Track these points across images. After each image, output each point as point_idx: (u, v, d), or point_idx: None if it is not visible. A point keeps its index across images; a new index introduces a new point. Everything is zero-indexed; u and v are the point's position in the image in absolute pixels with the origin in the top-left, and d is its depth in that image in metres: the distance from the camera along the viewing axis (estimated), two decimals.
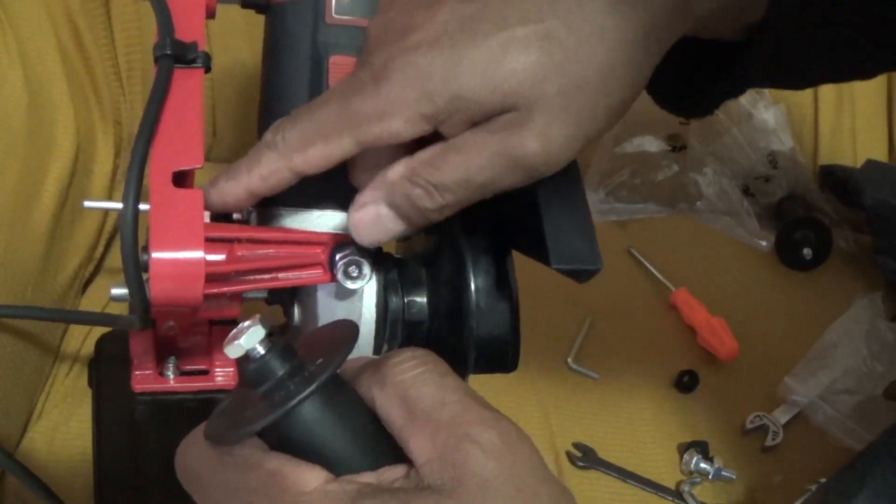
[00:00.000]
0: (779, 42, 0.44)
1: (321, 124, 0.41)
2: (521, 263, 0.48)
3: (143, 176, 0.43)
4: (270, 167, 0.42)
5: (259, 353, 0.35)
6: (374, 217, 0.41)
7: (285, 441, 0.35)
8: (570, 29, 0.37)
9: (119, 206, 0.46)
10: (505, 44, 0.37)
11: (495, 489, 0.33)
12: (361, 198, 0.41)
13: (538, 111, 0.37)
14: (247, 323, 0.36)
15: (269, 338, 0.36)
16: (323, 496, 0.33)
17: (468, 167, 0.39)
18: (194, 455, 0.37)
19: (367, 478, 0.35)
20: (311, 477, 0.34)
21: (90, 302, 0.85)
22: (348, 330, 0.38)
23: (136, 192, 0.42)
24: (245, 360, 0.36)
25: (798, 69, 0.51)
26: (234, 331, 0.35)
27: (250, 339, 0.35)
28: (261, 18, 0.51)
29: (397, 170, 0.41)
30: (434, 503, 0.33)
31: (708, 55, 0.47)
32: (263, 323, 0.36)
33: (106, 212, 0.88)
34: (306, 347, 0.37)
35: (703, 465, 0.77)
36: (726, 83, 0.48)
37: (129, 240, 0.41)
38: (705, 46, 0.46)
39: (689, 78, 0.48)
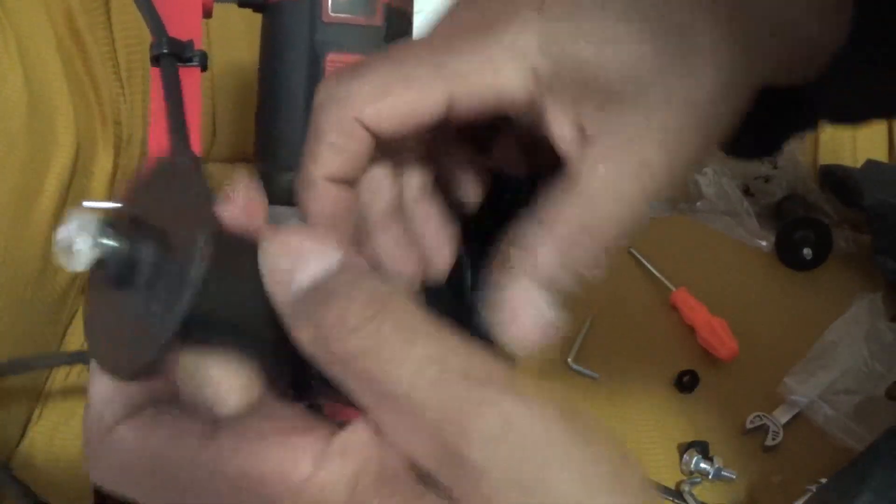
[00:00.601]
0: (850, 80, 0.39)
1: (402, 66, 0.34)
2: None
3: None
4: (335, 126, 0.34)
5: (109, 244, 0.26)
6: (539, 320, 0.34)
7: (204, 335, 0.27)
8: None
9: (119, 206, 0.46)
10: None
11: (510, 497, 0.25)
12: (510, 303, 0.33)
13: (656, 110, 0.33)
14: (71, 221, 0.26)
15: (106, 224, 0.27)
16: (318, 493, 0.27)
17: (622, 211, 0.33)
18: (121, 456, 0.29)
19: (363, 436, 0.28)
20: (297, 463, 0.27)
21: None
22: (184, 170, 0.28)
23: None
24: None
25: (865, 105, 0.45)
26: (60, 232, 0.26)
27: (85, 231, 0.26)
28: (259, 17, 0.51)
29: (545, 255, 0.33)
30: None
31: (769, 98, 0.41)
32: (88, 210, 0.26)
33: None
34: (144, 214, 0.29)
35: (703, 465, 0.77)
36: (794, 125, 0.44)
37: None
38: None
39: (750, 121, 0.41)
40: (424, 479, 0.27)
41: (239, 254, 0.29)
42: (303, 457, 0.27)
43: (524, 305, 0.34)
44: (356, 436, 0.28)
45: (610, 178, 0.33)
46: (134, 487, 0.30)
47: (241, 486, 0.27)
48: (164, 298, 0.26)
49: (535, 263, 0.34)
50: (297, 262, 0.28)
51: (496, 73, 0.33)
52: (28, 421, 0.75)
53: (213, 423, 0.28)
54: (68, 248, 0.26)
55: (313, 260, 0.28)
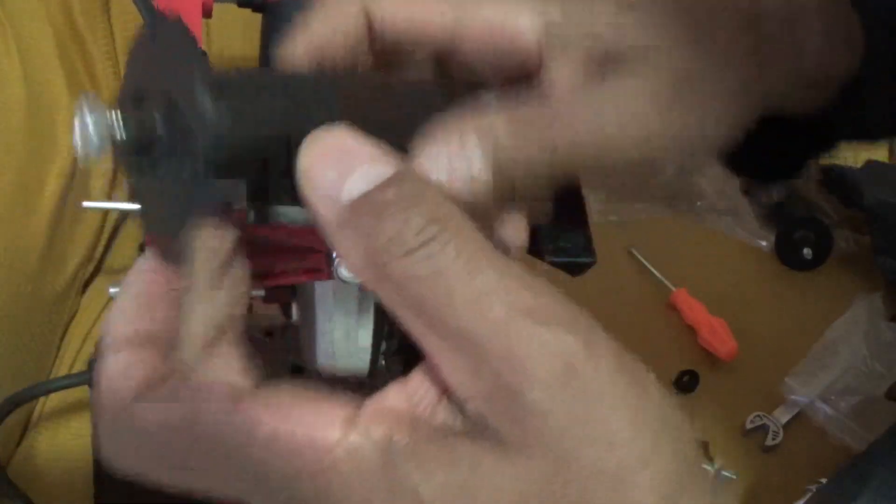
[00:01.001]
0: (869, 100, 0.40)
1: None
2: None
3: None
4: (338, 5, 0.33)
5: (119, 122, 0.27)
6: (458, 153, 0.29)
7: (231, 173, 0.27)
8: None
9: (119, 206, 0.45)
10: None
11: (570, 442, 0.24)
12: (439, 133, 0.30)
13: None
14: (81, 107, 0.27)
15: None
16: (348, 457, 0.25)
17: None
18: (142, 432, 0.28)
19: (394, 401, 0.26)
20: (325, 427, 0.26)
21: (90, 302, 0.85)
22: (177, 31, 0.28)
23: None
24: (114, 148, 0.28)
25: (883, 124, 0.44)
26: (75, 122, 0.27)
27: (95, 112, 0.27)
28: (259, 17, 0.51)
29: (500, 127, 0.30)
30: (496, 459, 0.25)
31: (786, 124, 0.41)
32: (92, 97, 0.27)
33: (106, 212, 0.88)
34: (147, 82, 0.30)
35: (703, 465, 0.77)
36: (814, 148, 0.43)
37: None
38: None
39: (766, 146, 0.41)
40: (464, 427, 0.26)
41: (243, 89, 0.28)
42: (333, 421, 0.26)
43: (458, 155, 0.30)
44: (388, 400, 0.27)
45: (595, 112, 0.32)
46: (156, 463, 0.28)
47: (271, 451, 0.26)
48: (185, 155, 0.26)
49: (487, 127, 0.30)
50: (345, 168, 0.26)
51: (511, 14, 0.33)
52: (28, 421, 0.75)
53: (234, 395, 0.27)
54: (85, 134, 0.26)
55: (365, 166, 0.26)
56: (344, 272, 0.44)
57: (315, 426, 0.26)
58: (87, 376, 0.65)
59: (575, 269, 0.42)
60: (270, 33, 0.48)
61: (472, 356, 0.25)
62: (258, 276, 0.44)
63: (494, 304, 0.24)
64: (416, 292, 0.25)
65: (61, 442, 0.73)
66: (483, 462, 0.25)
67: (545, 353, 0.24)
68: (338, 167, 0.26)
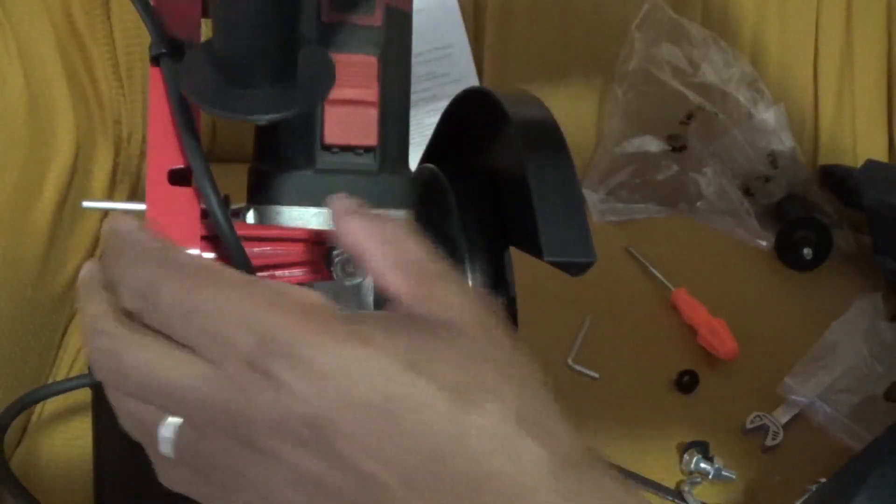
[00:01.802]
0: None
1: None
2: (522, 264, 0.48)
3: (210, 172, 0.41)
4: None
5: None
6: None
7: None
8: None
9: (119, 205, 0.46)
10: None
11: (468, 325, 0.34)
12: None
13: None
14: None
15: None
16: (330, 311, 0.33)
17: None
18: (176, 276, 0.35)
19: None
20: (314, 295, 0.34)
21: None
22: None
23: (214, 186, 0.40)
24: None
25: None
26: None
27: None
28: None
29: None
30: (418, 330, 0.33)
31: None
32: None
33: (106, 212, 0.88)
34: None
35: (703, 465, 0.77)
36: None
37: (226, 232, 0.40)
38: None
39: None
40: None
41: None
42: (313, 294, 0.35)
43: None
44: None
45: None
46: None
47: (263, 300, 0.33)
48: None
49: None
50: None
51: None
52: (28, 421, 0.75)
53: None
54: None
55: None
56: (342, 273, 0.44)
57: (302, 290, 0.35)
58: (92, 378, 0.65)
59: (574, 269, 0.42)
60: None
61: (419, 272, 0.36)
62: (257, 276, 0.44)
63: (438, 259, 0.37)
64: (393, 238, 0.37)
65: (61, 443, 0.73)
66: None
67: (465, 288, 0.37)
68: None
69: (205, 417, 0.33)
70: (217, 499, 0.35)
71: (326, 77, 0.39)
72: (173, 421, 0.34)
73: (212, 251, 0.42)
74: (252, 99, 0.38)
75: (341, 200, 0.38)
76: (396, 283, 0.35)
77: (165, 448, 0.35)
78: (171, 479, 0.36)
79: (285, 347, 0.32)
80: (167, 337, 0.34)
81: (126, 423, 0.36)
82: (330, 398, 0.31)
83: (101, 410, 0.67)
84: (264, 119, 0.38)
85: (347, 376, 0.31)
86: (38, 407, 0.76)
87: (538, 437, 0.32)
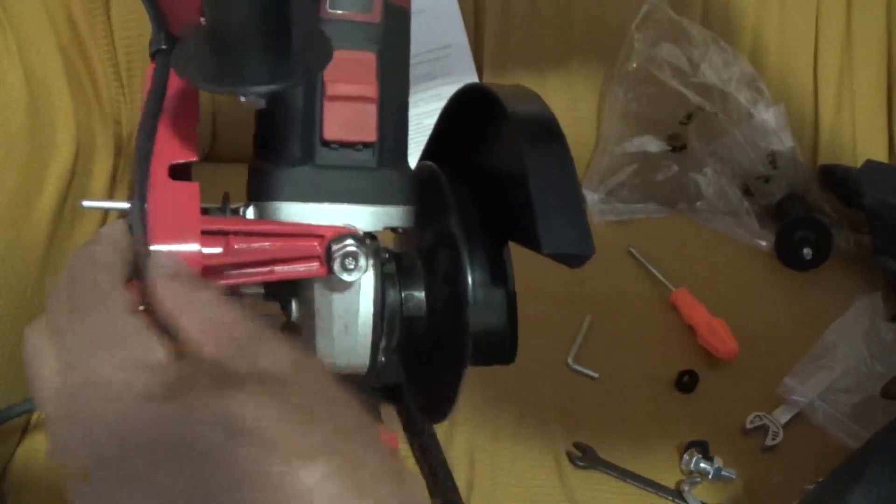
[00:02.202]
0: None
1: None
2: (522, 264, 0.48)
3: (149, 173, 0.42)
4: None
5: None
6: None
7: None
8: None
9: (119, 205, 0.46)
10: None
11: (283, 379, 0.34)
12: None
13: None
14: None
15: None
16: (167, 368, 0.34)
17: None
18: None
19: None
20: (160, 349, 0.35)
21: None
22: None
23: (145, 187, 0.41)
24: None
25: None
26: None
27: None
28: None
29: None
30: (238, 390, 0.32)
31: None
32: None
33: (106, 212, 0.88)
34: None
35: (703, 465, 0.77)
36: None
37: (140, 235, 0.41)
38: None
39: None
40: None
41: None
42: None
43: None
44: None
45: None
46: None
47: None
48: None
49: None
50: None
51: None
52: (27, 424, 0.75)
53: None
54: None
55: None
56: (341, 268, 0.44)
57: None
58: None
59: (573, 261, 0.42)
60: None
61: (207, 315, 0.37)
62: (257, 271, 0.44)
63: (231, 305, 0.37)
64: (183, 288, 0.38)
65: None
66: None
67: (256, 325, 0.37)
68: None
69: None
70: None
71: (323, 51, 0.39)
72: None
73: (212, 246, 0.42)
74: (246, 72, 0.37)
75: (159, 262, 0.39)
76: (211, 350, 0.35)
77: None
78: None
79: (104, 392, 0.33)
80: None
81: None
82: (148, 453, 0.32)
83: None
84: (259, 91, 0.37)
85: (165, 440, 0.32)
86: (38, 410, 0.76)
87: (359, 494, 0.31)
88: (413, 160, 0.51)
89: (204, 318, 0.36)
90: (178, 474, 0.31)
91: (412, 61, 0.49)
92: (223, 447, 0.31)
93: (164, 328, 0.36)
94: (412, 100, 0.49)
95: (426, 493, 0.34)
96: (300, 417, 0.32)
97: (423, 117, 1.02)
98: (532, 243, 0.42)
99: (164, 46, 0.46)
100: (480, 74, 1.11)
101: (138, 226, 0.40)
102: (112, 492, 0.32)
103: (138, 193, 0.41)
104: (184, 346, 0.36)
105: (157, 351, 0.35)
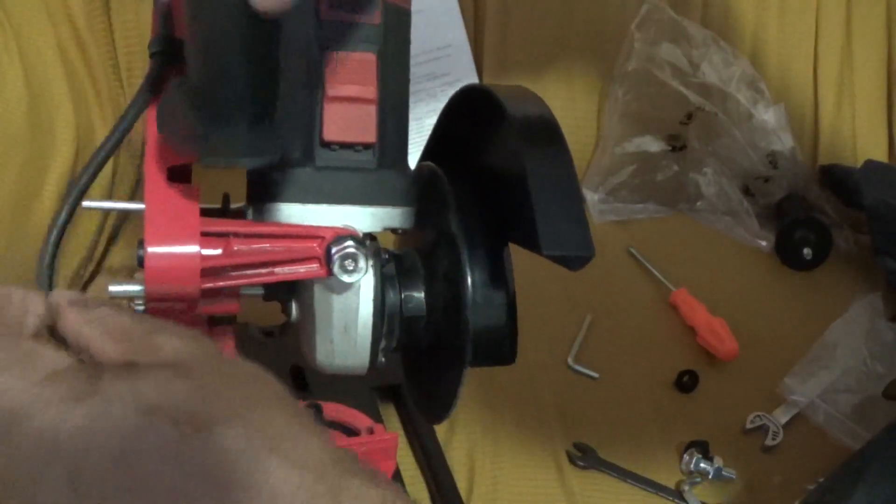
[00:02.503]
0: None
1: None
2: (522, 264, 0.48)
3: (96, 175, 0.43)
4: None
5: None
6: None
7: None
8: None
9: (119, 205, 0.46)
10: None
11: (189, 362, 0.36)
12: None
13: None
14: None
15: None
16: (71, 372, 0.36)
17: None
18: None
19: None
20: (59, 357, 0.37)
21: None
22: None
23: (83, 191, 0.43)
24: None
25: None
26: None
27: None
28: None
29: None
30: (150, 377, 0.35)
31: None
32: None
33: (106, 212, 0.88)
34: None
35: (703, 465, 0.77)
36: None
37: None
38: None
39: None
40: None
41: None
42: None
43: None
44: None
45: None
46: None
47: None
48: None
49: None
50: None
51: None
52: None
53: None
54: None
55: None
56: (341, 269, 0.44)
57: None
58: None
59: (573, 263, 0.42)
60: None
61: (128, 333, 0.38)
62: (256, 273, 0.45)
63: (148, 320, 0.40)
64: (104, 317, 0.40)
65: None
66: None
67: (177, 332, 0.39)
68: None
69: None
70: None
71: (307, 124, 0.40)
72: None
73: (212, 247, 0.42)
74: (230, 140, 0.38)
75: (60, 294, 0.41)
76: (114, 352, 0.38)
77: None
78: None
79: (24, 410, 0.34)
80: None
81: None
82: (71, 457, 0.33)
83: None
84: (244, 164, 0.39)
85: (88, 433, 0.33)
86: None
87: (276, 450, 0.34)
88: (413, 160, 0.51)
89: (104, 327, 0.39)
90: (111, 460, 0.33)
91: (412, 61, 0.49)
92: (141, 427, 0.33)
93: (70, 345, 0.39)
94: (412, 100, 0.50)
95: (330, 444, 0.36)
96: (203, 392, 0.35)
97: (423, 117, 1.02)
98: (532, 245, 0.42)
99: (160, 48, 0.46)
100: (480, 74, 1.11)
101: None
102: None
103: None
104: (93, 357, 0.38)
105: (63, 358, 0.37)
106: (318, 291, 0.47)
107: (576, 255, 0.41)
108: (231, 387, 0.36)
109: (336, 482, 0.34)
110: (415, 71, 1.05)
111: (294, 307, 0.51)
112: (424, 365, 0.53)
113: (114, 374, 0.35)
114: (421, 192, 0.49)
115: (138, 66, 0.98)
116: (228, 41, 0.36)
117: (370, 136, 0.45)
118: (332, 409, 0.66)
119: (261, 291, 0.50)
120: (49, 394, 0.34)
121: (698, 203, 1.11)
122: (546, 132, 0.44)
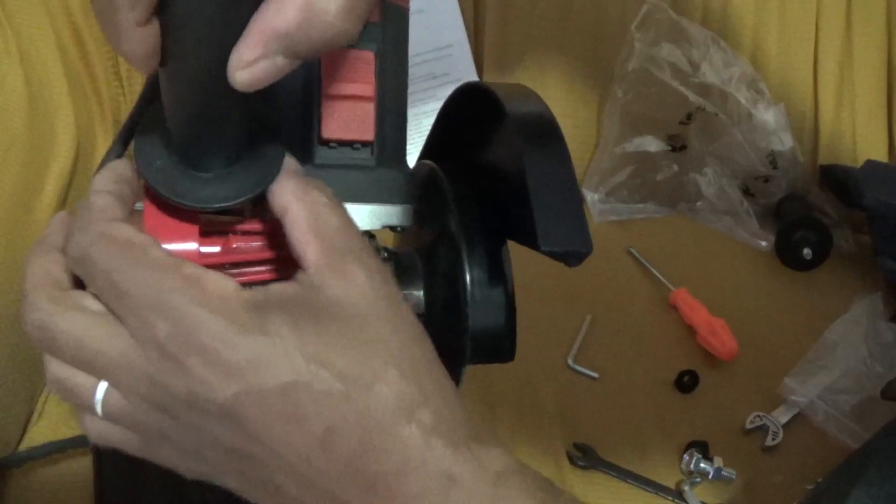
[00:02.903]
0: None
1: None
2: (522, 264, 0.48)
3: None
4: None
5: None
6: (271, 70, 0.35)
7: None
8: None
9: None
10: None
11: (368, 305, 0.37)
12: (248, 55, 0.34)
13: None
14: None
15: None
16: (239, 301, 0.36)
17: None
18: (106, 250, 0.37)
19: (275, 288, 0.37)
20: (228, 283, 0.36)
21: None
22: None
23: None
24: None
25: None
26: None
27: None
28: None
29: (289, 18, 0.34)
30: (318, 318, 0.36)
31: None
32: None
33: None
34: None
35: (703, 465, 0.77)
36: None
37: None
38: None
39: None
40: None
41: None
42: (228, 282, 0.37)
43: (261, 58, 0.35)
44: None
45: None
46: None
47: (175, 288, 0.36)
48: None
49: (273, 30, 0.34)
50: None
51: None
52: (28, 421, 0.75)
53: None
54: None
55: None
56: None
57: (219, 279, 0.37)
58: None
59: (571, 259, 0.42)
60: None
61: (330, 245, 0.38)
62: (256, 270, 0.44)
63: (355, 232, 0.40)
64: (317, 208, 0.39)
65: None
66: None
67: (375, 260, 0.39)
68: None
69: (130, 386, 0.37)
70: (144, 453, 0.39)
71: (274, 163, 0.40)
72: (102, 385, 0.37)
73: (210, 245, 0.42)
74: (201, 185, 0.39)
75: (289, 160, 0.40)
76: (308, 253, 0.37)
77: (95, 407, 0.38)
78: (97, 434, 0.39)
79: (195, 338, 0.35)
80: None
81: (53, 386, 0.39)
82: (237, 389, 0.35)
83: None
84: (209, 208, 0.39)
85: (254, 369, 0.35)
86: (38, 406, 0.77)
87: (414, 417, 0.36)
88: (412, 159, 0.51)
89: (317, 220, 0.38)
90: (278, 392, 0.35)
91: (412, 61, 0.49)
92: (307, 371, 0.35)
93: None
94: (412, 99, 0.50)
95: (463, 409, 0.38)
96: (364, 350, 0.36)
97: (422, 117, 1.02)
98: (530, 241, 0.42)
99: None
100: (480, 74, 1.11)
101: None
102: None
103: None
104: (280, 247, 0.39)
105: (227, 283, 0.37)
106: None
107: (573, 252, 0.41)
108: (394, 342, 0.37)
109: (473, 449, 0.36)
110: (415, 71, 1.05)
111: None
112: None
113: (286, 315, 0.36)
114: (420, 190, 0.49)
115: None
116: (205, 109, 0.37)
117: (369, 133, 0.44)
118: None
119: None
120: (221, 320, 0.35)
121: (698, 203, 1.11)
122: (545, 130, 0.44)
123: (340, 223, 0.38)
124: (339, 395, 0.35)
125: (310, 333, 0.36)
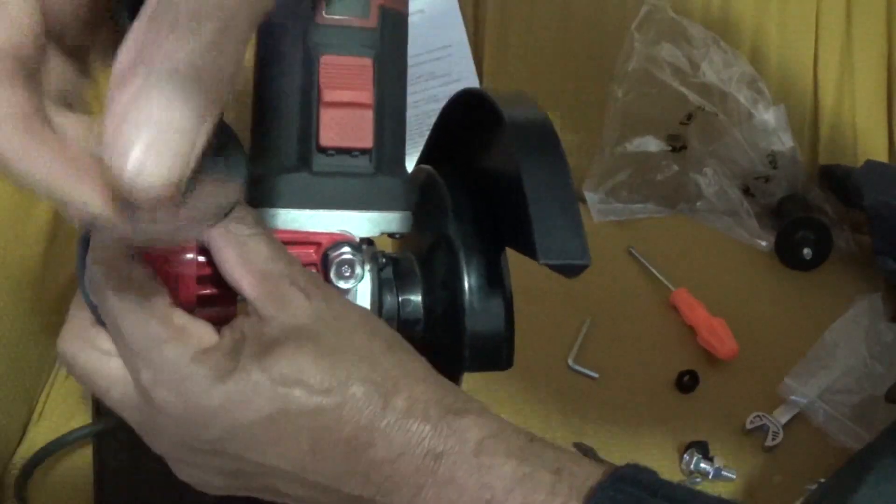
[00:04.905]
0: None
1: None
2: (522, 265, 0.48)
3: None
4: None
5: None
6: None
7: None
8: None
9: None
10: None
11: (316, 323, 0.39)
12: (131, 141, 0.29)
13: None
14: None
15: None
16: (217, 350, 0.38)
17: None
18: (113, 292, 0.39)
19: (241, 323, 0.39)
20: (211, 335, 0.39)
21: None
22: None
23: None
24: None
25: None
26: None
27: None
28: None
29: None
30: (279, 345, 0.38)
31: None
32: None
33: None
34: None
35: (703, 465, 0.77)
36: None
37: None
38: None
39: None
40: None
41: None
42: (209, 330, 0.39)
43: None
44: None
45: None
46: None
47: (166, 339, 0.38)
48: None
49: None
50: None
51: None
52: (28, 421, 0.76)
53: None
54: None
55: None
56: (338, 275, 0.44)
57: (203, 328, 0.39)
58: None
59: (570, 271, 0.42)
60: (265, 34, 0.48)
61: (264, 274, 0.39)
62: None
63: (284, 256, 0.41)
64: (241, 240, 0.40)
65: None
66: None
67: (311, 281, 0.40)
68: None
69: (134, 422, 0.40)
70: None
71: (231, 189, 0.38)
72: None
73: (208, 254, 0.42)
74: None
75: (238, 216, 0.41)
76: (244, 287, 0.39)
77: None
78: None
79: (175, 385, 0.37)
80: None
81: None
82: (219, 433, 0.38)
83: (102, 408, 0.68)
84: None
85: (230, 411, 0.37)
86: (38, 406, 0.77)
87: (388, 407, 0.38)
88: (413, 161, 0.51)
89: (246, 256, 0.39)
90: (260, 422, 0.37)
91: (412, 62, 0.49)
92: (279, 395, 0.37)
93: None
94: (412, 100, 0.49)
95: (438, 384, 0.41)
96: (327, 361, 0.38)
97: (422, 118, 1.02)
98: (528, 252, 0.42)
99: None
100: (480, 74, 1.11)
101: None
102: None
103: None
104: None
105: (211, 335, 0.39)
106: None
107: (572, 265, 0.42)
108: (350, 347, 0.39)
109: (445, 421, 0.39)
110: (415, 71, 1.05)
111: None
112: None
113: (253, 352, 0.38)
114: (418, 196, 0.49)
115: None
116: None
117: (367, 141, 0.44)
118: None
119: None
120: (200, 369, 0.37)
121: (698, 203, 1.11)
122: (542, 138, 0.44)
123: (269, 251, 0.40)
124: (315, 408, 0.38)
125: (272, 362, 0.38)
